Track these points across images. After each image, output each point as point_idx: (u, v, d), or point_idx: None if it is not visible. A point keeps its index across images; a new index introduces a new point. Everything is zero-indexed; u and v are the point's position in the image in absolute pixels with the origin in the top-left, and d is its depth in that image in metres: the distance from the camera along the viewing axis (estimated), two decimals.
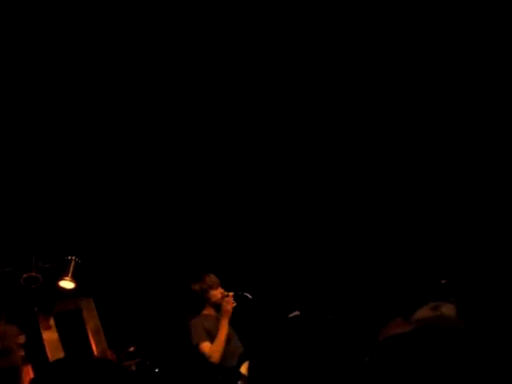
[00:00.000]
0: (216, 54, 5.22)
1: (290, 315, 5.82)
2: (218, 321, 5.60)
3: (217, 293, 5.63)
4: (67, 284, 6.50)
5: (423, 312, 3.27)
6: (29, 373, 5.01)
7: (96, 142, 6.02)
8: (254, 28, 5.08)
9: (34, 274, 6.31)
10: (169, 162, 6.51)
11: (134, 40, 4.88)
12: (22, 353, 4.81)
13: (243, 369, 5.49)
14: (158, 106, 5.75)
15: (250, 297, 5.41)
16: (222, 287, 5.67)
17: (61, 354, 7.07)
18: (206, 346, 5.41)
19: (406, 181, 6.99)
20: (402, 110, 6.33)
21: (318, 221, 7.43)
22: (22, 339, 4.83)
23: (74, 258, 6.52)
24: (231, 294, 5.56)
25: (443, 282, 4.56)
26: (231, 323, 5.65)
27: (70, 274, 6.45)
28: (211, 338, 5.46)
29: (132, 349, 6.90)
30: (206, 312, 5.68)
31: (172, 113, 5.89)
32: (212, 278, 5.67)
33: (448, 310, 3.28)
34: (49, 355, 6.98)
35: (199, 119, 6.03)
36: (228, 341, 5.56)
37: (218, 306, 5.69)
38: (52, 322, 7.18)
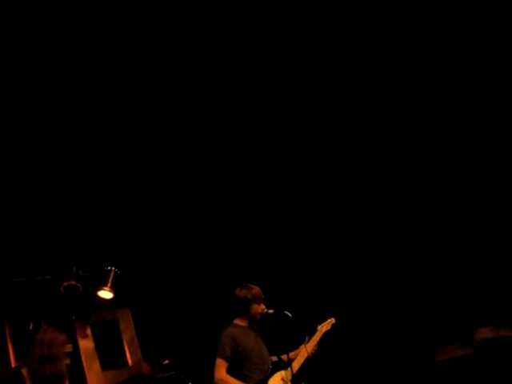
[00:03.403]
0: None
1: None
2: (247, 333, 5.61)
3: (258, 308, 5.61)
4: (106, 294, 6.51)
5: (484, 333, 3.28)
6: None
7: (135, 158, 6.10)
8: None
9: (73, 283, 6.33)
10: (204, 176, 6.57)
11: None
12: (68, 361, 4.86)
13: (271, 382, 5.53)
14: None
15: (290, 315, 5.37)
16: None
17: (96, 363, 7.14)
18: (221, 366, 5.41)
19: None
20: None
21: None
22: (68, 348, 4.87)
23: (113, 268, 6.54)
24: (271, 311, 5.55)
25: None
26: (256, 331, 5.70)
27: (108, 284, 6.46)
28: (238, 350, 5.46)
29: (167, 361, 6.92)
30: (237, 322, 5.64)
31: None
32: (259, 292, 5.62)
33: (507, 332, 3.29)
34: (84, 364, 7.05)
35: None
36: (259, 351, 5.57)
37: (253, 320, 5.69)
38: (89, 331, 7.23)
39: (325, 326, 5.88)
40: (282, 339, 5.67)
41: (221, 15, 4.92)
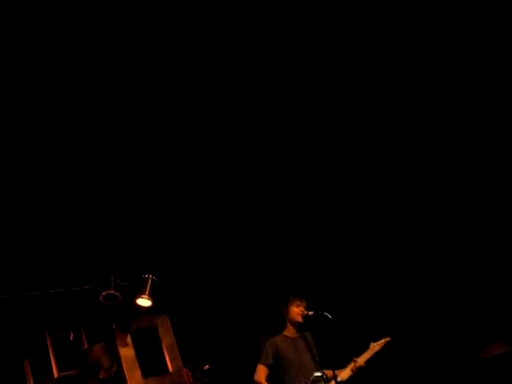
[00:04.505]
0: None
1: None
2: (292, 343, 5.68)
3: (297, 310, 5.70)
4: (144, 302, 6.56)
5: None
6: None
7: (175, 168, 6.13)
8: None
9: (112, 292, 6.38)
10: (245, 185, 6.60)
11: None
12: None
13: None
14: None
15: (330, 316, 5.38)
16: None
17: (137, 371, 7.19)
18: (261, 372, 5.56)
19: None
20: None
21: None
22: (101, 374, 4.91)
23: (150, 276, 6.59)
24: (311, 313, 5.59)
25: None
26: (306, 342, 5.74)
27: (146, 292, 6.51)
28: (279, 359, 5.58)
29: (207, 366, 6.96)
30: (285, 332, 5.82)
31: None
32: (297, 299, 5.81)
33: None
34: (125, 371, 7.10)
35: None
36: (301, 362, 5.62)
37: (296, 325, 5.75)
38: (129, 338, 7.29)
39: (377, 346, 5.81)
40: (330, 354, 5.72)
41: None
